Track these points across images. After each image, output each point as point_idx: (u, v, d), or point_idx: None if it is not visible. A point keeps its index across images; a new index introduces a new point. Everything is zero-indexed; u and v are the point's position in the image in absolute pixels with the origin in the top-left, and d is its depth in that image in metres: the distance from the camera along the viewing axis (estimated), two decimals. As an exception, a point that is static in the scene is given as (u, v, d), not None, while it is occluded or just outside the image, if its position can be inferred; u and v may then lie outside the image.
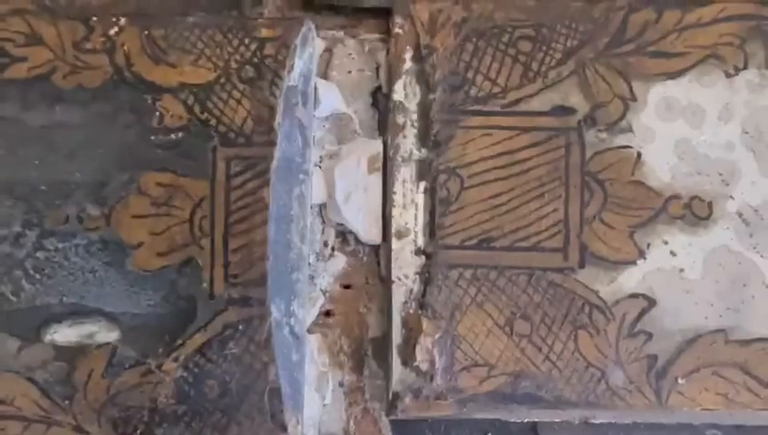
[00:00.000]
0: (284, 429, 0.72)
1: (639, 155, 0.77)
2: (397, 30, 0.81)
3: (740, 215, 0.76)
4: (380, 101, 0.84)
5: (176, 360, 0.73)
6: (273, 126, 0.77)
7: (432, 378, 0.74)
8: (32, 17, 0.79)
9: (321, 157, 0.82)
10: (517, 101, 0.78)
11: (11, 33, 0.78)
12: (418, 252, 0.77)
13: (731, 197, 0.76)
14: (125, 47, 0.79)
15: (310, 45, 0.80)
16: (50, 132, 0.77)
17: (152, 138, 0.77)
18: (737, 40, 0.78)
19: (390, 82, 0.81)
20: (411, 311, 0.76)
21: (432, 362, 0.74)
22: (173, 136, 0.77)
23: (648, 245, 0.75)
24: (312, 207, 0.81)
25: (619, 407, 0.74)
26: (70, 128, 0.77)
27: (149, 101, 0.78)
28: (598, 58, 0.78)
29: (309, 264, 0.79)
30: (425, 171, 0.78)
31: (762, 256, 0.75)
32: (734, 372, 0.74)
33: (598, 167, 0.76)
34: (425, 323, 0.75)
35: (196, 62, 0.79)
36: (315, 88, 0.82)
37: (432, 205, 0.78)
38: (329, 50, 0.85)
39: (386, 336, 0.78)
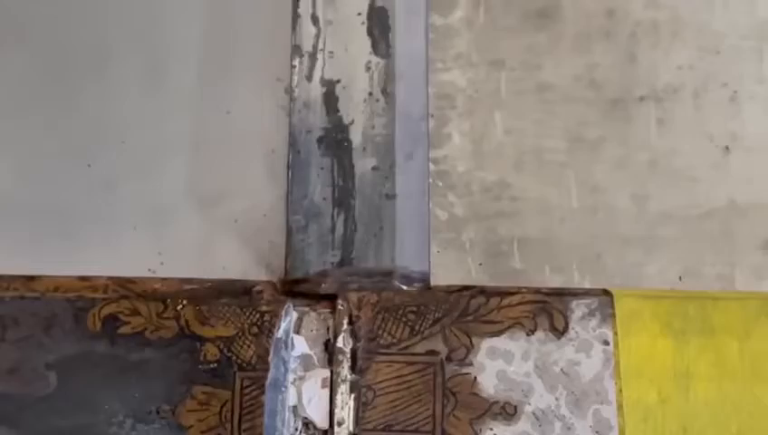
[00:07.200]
0: None
1: (476, 378, 1.10)
2: (339, 307, 1.13)
3: (534, 414, 1.09)
4: (329, 347, 1.12)
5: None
6: (268, 360, 1.09)
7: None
8: (134, 300, 1.12)
9: (294, 378, 1.11)
10: (407, 347, 1.11)
11: (122, 308, 1.11)
12: (350, 434, 1.09)
13: (528, 403, 1.09)
14: (185, 316, 1.10)
15: (289, 315, 1.11)
16: (142, 364, 1.09)
17: (199, 366, 1.09)
18: (531, 314, 1.12)
19: (335, 336, 1.12)
20: (347, 465, 1.10)
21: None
22: (211, 365, 1.09)
23: (481, 429, 1.08)
24: (288, 407, 1.10)
25: None
26: (153, 361, 1.09)
27: (198, 346, 1.09)
28: (452, 323, 1.12)
29: (286, 440, 1.11)
30: (354, 387, 1.10)
31: (547, 438, 1.12)
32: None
33: (452, 385, 1.10)
34: (355, 467, 1.09)
35: (225, 324, 1.10)
36: (292, 339, 1.12)
37: (357, 406, 1.09)
38: (300, 318, 1.14)
39: (334, 480, 1.09)
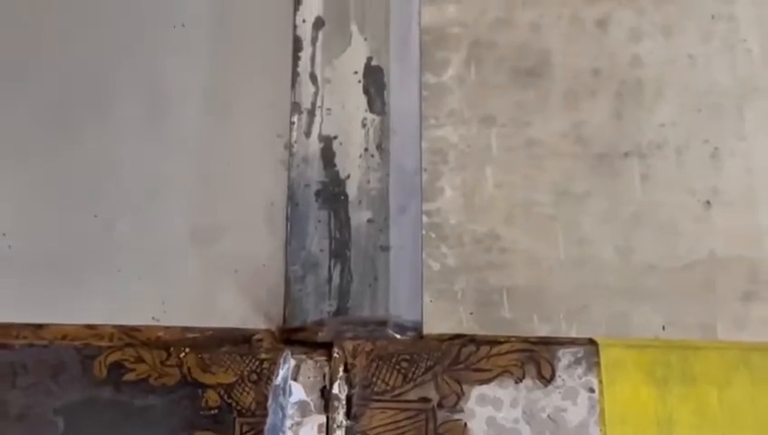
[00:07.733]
0: None
1: (466, 425, 1.13)
2: (335, 355, 1.16)
3: (524, 457, 1.18)
4: (326, 394, 1.15)
5: None
6: (266, 406, 1.12)
7: None
8: (138, 348, 1.15)
9: (291, 424, 1.14)
10: (400, 394, 1.14)
11: (127, 356, 1.14)
12: (346, 473, 1.16)
13: (506, 450, 1.18)
14: (188, 363, 1.14)
15: (287, 363, 1.15)
16: (145, 410, 1.13)
17: (200, 412, 1.12)
18: (519, 362, 1.15)
19: (331, 383, 1.14)
20: (343, 500, 1.15)
21: None
22: (212, 411, 1.12)
23: (471, 473, 1.17)
24: (286, 452, 1.18)
25: None
26: (156, 408, 1.12)
27: (200, 393, 1.12)
28: (444, 371, 1.14)
29: (285, 483, 1.17)
30: (349, 433, 1.13)
31: (533, 481, 1.16)
32: None
33: (443, 431, 1.13)
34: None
35: (226, 371, 1.13)
36: (290, 386, 1.15)
37: (352, 451, 1.17)
38: (297, 365, 1.17)
39: None
